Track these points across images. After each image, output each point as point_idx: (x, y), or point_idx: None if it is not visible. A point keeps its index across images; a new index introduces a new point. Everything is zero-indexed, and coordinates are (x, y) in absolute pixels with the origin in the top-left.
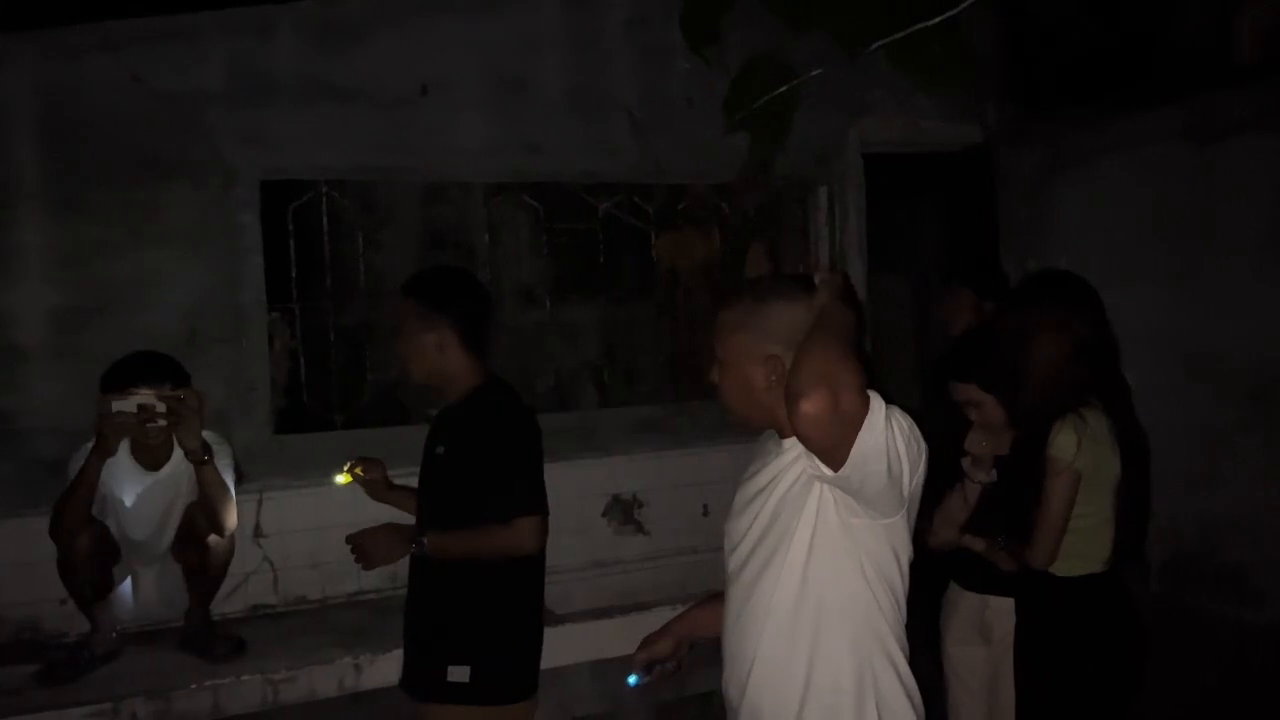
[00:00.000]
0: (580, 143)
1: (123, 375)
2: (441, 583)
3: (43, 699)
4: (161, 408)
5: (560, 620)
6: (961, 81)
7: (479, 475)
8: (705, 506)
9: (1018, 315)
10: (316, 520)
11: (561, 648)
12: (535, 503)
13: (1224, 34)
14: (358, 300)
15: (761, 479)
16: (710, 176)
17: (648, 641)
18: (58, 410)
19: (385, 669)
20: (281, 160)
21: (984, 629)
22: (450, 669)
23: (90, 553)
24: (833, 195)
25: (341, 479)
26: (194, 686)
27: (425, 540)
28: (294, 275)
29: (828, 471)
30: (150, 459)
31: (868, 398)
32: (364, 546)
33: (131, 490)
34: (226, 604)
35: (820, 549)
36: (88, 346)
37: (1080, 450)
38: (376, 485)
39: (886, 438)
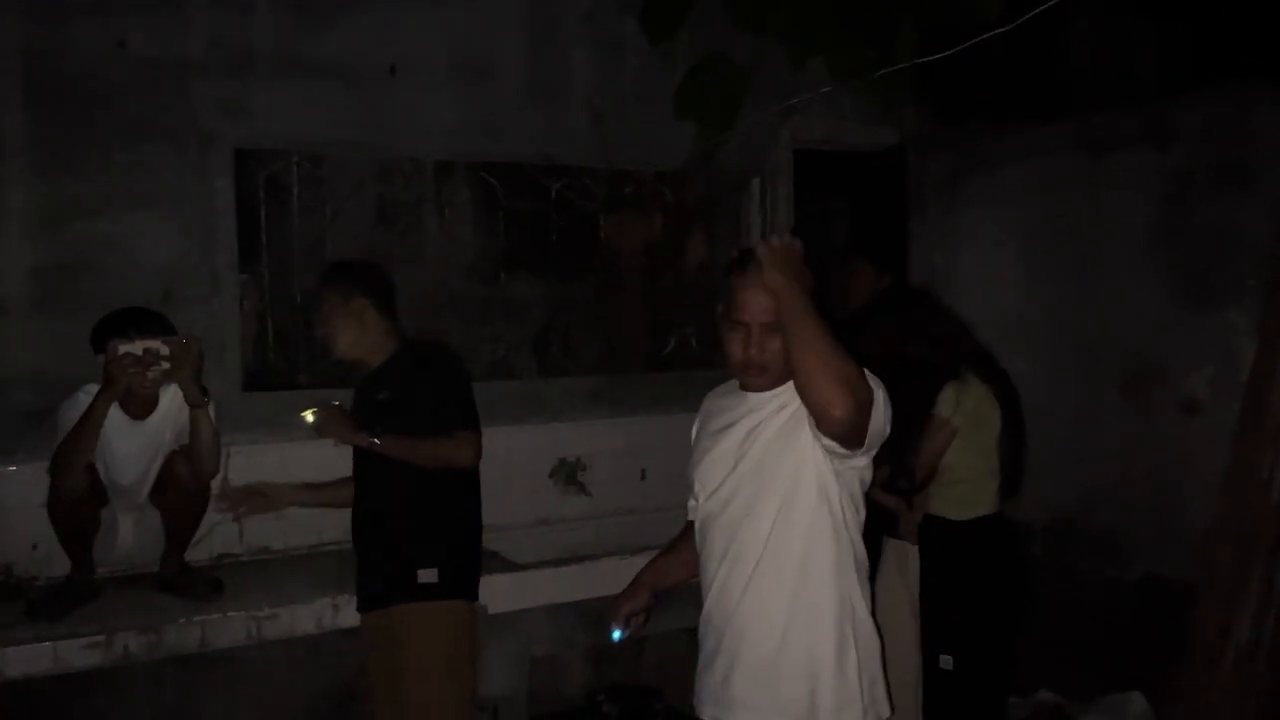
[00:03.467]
0: (537, 127)
1: (118, 324)
2: (402, 496)
3: (31, 634)
4: (165, 350)
5: (519, 568)
6: (886, 86)
7: (421, 404)
8: (643, 471)
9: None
10: (281, 474)
11: (520, 593)
12: (471, 420)
13: (1119, 55)
14: (323, 266)
15: (741, 427)
16: (655, 165)
17: (624, 596)
18: (35, 363)
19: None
20: (256, 130)
21: (902, 569)
22: (420, 572)
23: (83, 494)
24: (765, 187)
25: (309, 416)
26: (182, 621)
27: (378, 439)
28: (264, 241)
29: (845, 450)
30: (139, 409)
31: (869, 382)
32: (326, 415)
33: (120, 437)
34: (193, 553)
35: (805, 490)
36: (66, 302)
37: (959, 408)
38: (336, 418)
39: (884, 407)
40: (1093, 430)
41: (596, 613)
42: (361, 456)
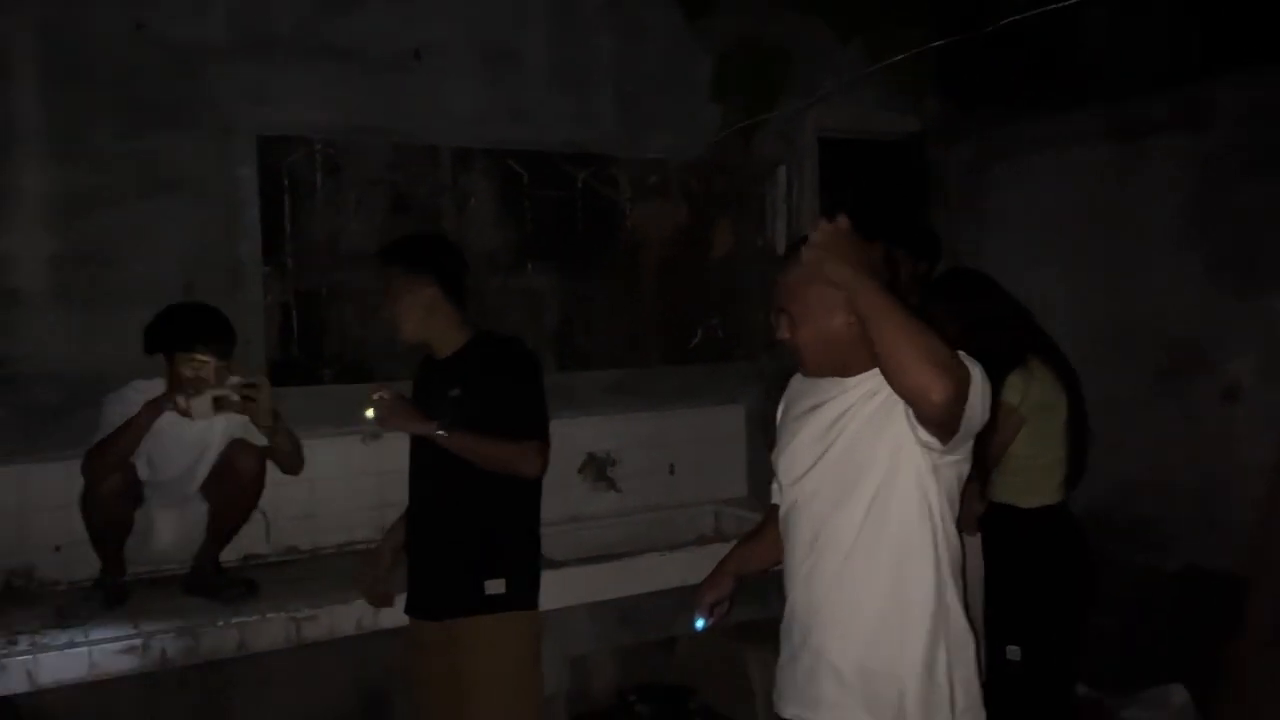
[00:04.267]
0: (563, 113)
1: (183, 335)
2: (469, 502)
3: (65, 639)
4: (236, 398)
5: (558, 565)
6: (909, 73)
7: (494, 406)
8: (671, 465)
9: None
10: (307, 472)
11: (560, 592)
12: (543, 430)
13: (1149, 38)
14: (347, 258)
15: (826, 414)
16: (682, 153)
17: (707, 584)
18: (55, 357)
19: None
20: (278, 116)
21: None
22: (487, 583)
23: (118, 492)
24: (791, 175)
25: (370, 412)
26: (221, 624)
27: (446, 431)
28: (288, 231)
29: (943, 444)
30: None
31: (964, 361)
32: (389, 403)
33: (167, 430)
34: (221, 553)
35: (901, 481)
36: (86, 294)
37: (1026, 397)
38: (400, 406)
39: (982, 391)
40: (1130, 419)
41: (632, 610)
42: (425, 458)
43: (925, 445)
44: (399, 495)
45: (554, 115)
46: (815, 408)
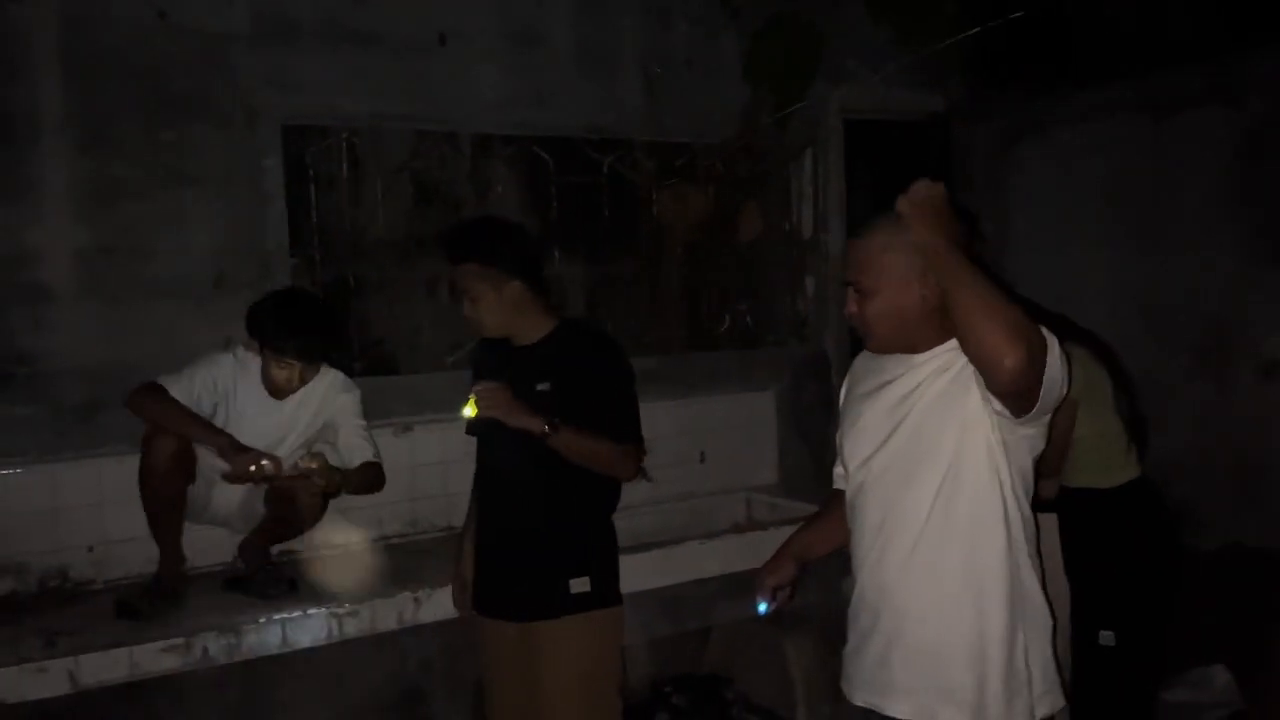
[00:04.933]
0: (588, 98)
1: (275, 335)
2: (558, 500)
3: (107, 638)
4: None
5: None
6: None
7: (594, 405)
8: (702, 454)
9: None
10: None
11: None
12: (640, 433)
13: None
14: (374, 247)
15: (895, 392)
16: (708, 136)
17: (769, 569)
18: (83, 353)
19: (442, 601)
20: (303, 104)
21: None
22: (572, 582)
23: (172, 464)
24: (816, 158)
25: (469, 410)
26: (262, 620)
27: (556, 427)
28: (314, 221)
29: (1018, 415)
30: (279, 391)
31: (1042, 332)
32: (493, 393)
33: (252, 411)
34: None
35: (973, 459)
36: (114, 288)
37: (1073, 379)
38: (505, 397)
39: (1061, 363)
40: (1165, 396)
41: (672, 599)
42: (507, 454)
43: (999, 416)
44: (431, 488)
45: (579, 99)
46: (882, 386)
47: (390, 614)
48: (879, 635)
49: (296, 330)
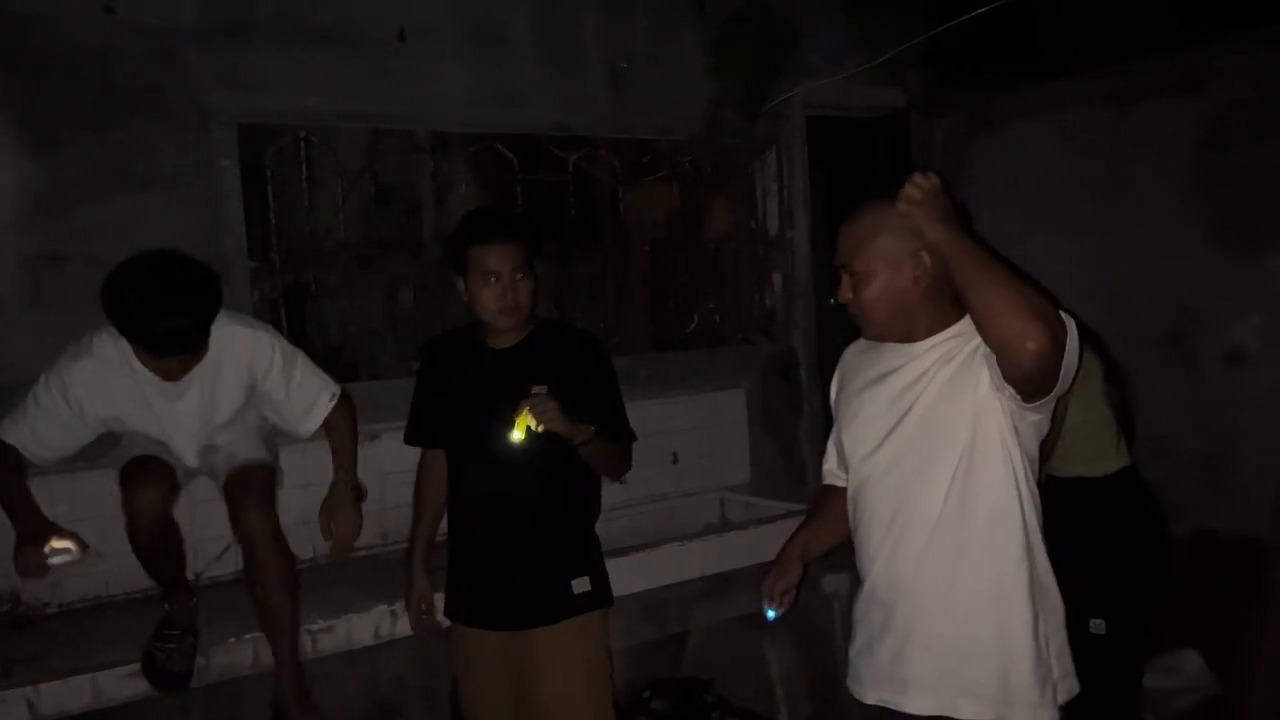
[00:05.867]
0: (551, 95)
1: (146, 334)
2: (562, 502)
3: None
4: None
5: None
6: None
7: (592, 406)
8: (675, 454)
9: None
10: (305, 476)
11: None
12: (633, 432)
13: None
14: (335, 251)
15: (897, 382)
16: (673, 133)
17: (775, 573)
18: (33, 366)
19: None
20: (259, 103)
21: None
22: (574, 582)
23: (162, 512)
24: (781, 154)
25: (518, 434)
26: (232, 640)
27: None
28: (273, 224)
29: (1031, 400)
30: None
31: (1063, 317)
32: (544, 403)
33: (144, 409)
34: (217, 567)
35: (986, 446)
36: (64, 296)
37: None
38: (554, 406)
39: (1076, 343)
40: (1135, 385)
41: (653, 603)
42: (510, 460)
43: (1013, 401)
44: (402, 497)
45: (543, 97)
46: (883, 377)
47: (366, 629)
48: (893, 632)
49: (166, 315)
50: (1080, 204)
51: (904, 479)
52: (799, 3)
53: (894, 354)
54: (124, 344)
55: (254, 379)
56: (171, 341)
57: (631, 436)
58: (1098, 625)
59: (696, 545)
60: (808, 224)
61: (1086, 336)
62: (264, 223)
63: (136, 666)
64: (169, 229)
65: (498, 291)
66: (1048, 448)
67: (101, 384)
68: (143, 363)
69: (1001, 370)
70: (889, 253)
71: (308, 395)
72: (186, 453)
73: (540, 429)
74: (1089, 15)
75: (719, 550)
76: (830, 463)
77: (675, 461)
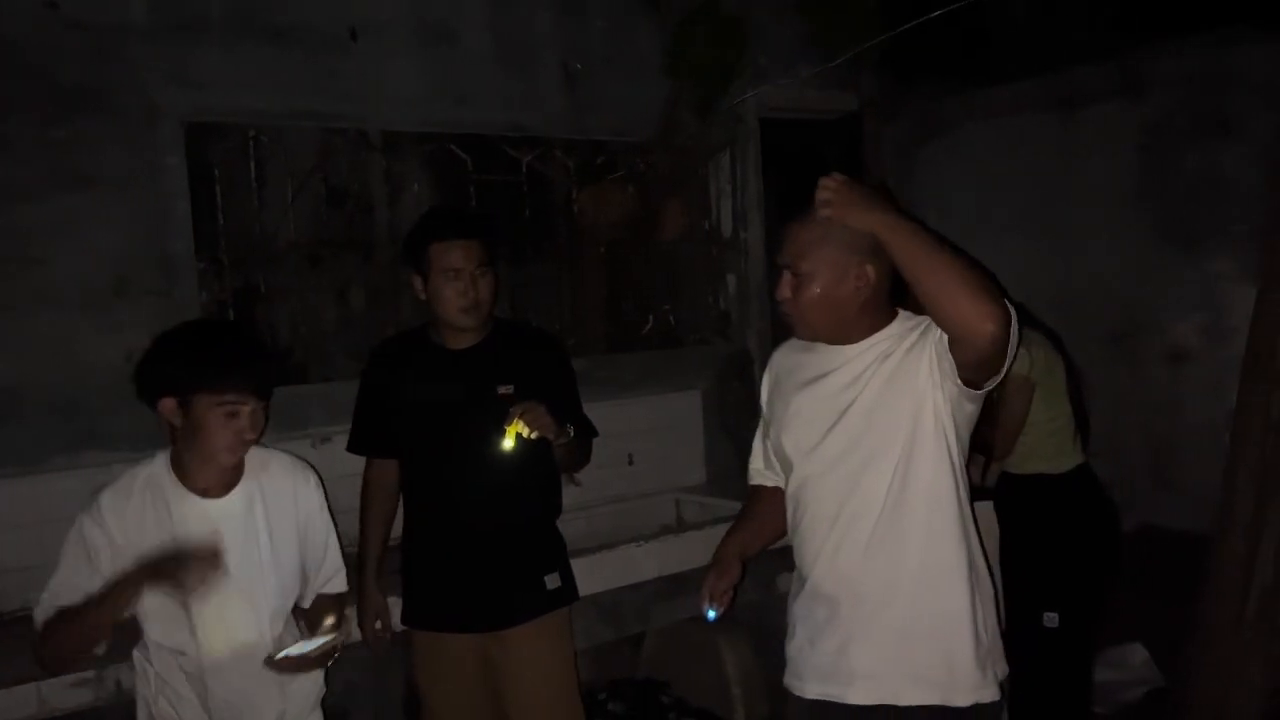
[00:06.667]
0: (505, 95)
1: (220, 368)
2: (538, 503)
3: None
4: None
5: None
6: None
7: (557, 405)
8: (630, 456)
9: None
10: None
11: None
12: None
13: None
14: (285, 251)
15: (835, 382)
16: (629, 134)
17: (715, 574)
18: None
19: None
20: (207, 101)
21: None
22: (547, 579)
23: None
24: (735, 156)
25: (509, 441)
26: None
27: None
28: (222, 224)
29: (979, 386)
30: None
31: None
32: (534, 410)
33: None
34: None
35: (926, 438)
36: (8, 298)
37: (1033, 363)
38: (543, 411)
39: (1017, 329)
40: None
41: (610, 604)
42: (484, 462)
43: (955, 388)
44: (354, 501)
45: (497, 96)
46: (820, 377)
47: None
48: (838, 625)
49: (239, 352)
50: (1028, 206)
51: (848, 474)
52: (754, 6)
53: (830, 355)
54: (153, 466)
55: (308, 526)
56: (248, 371)
57: (592, 431)
58: (1051, 619)
59: (653, 546)
60: (761, 225)
61: (1049, 335)
62: (212, 223)
63: (82, 675)
64: (114, 228)
65: (460, 289)
66: (1010, 443)
67: (126, 525)
68: (203, 453)
69: (956, 354)
70: (834, 262)
71: (333, 576)
72: None
73: (533, 436)
74: (1035, 23)
75: (675, 551)
76: (758, 462)
77: (631, 463)
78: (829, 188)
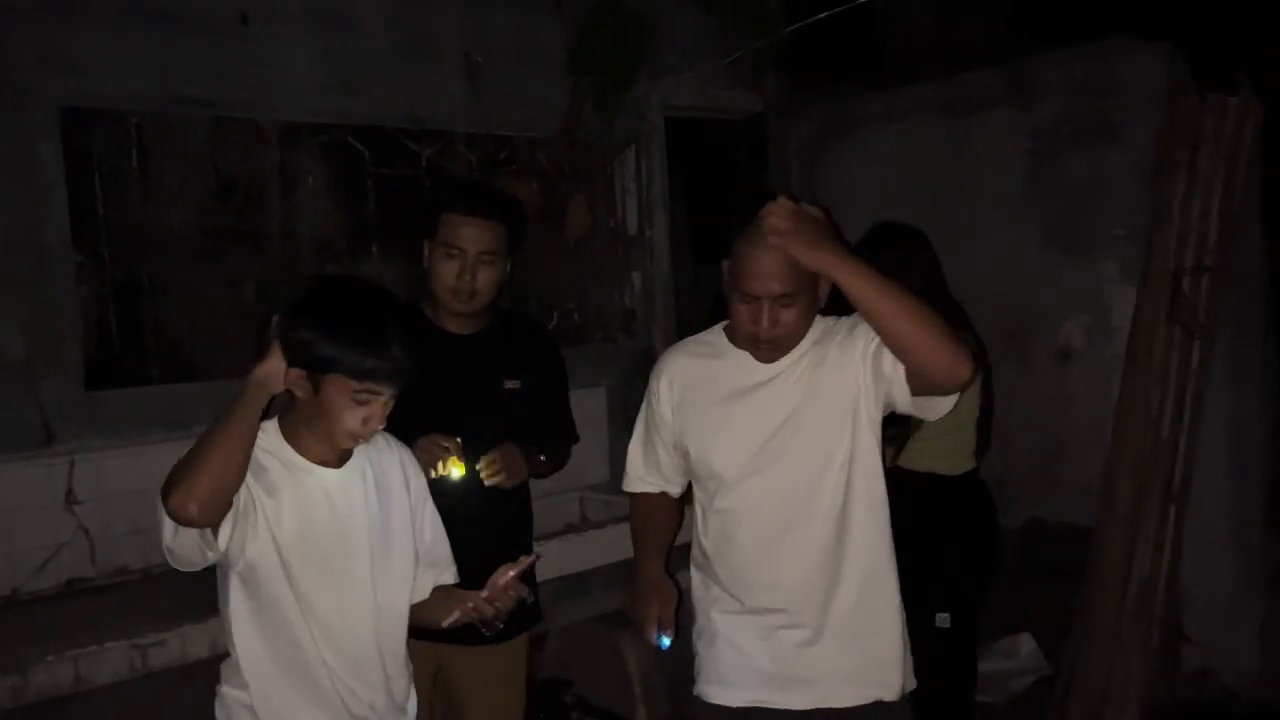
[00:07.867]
0: (404, 86)
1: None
2: (518, 517)
3: None
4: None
5: None
6: (752, 51)
7: (555, 407)
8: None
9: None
10: (137, 483)
11: None
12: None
13: (976, 17)
14: (170, 244)
15: (767, 392)
16: (533, 129)
17: (655, 600)
18: None
19: None
20: (85, 85)
21: None
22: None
23: None
24: (640, 154)
25: (457, 472)
26: (51, 659)
27: (543, 457)
28: (102, 215)
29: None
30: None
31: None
32: (508, 460)
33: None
34: (38, 580)
35: (863, 439)
36: None
37: None
38: (517, 462)
39: None
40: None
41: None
42: (474, 457)
43: (903, 403)
44: None
45: (395, 87)
46: (753, 388)
47: (203, 641)
48: (778, 636)
49: (390, 337)
50: (924, 207)
51: (792, 486)
52: (658, 2)
53: (753, 365)
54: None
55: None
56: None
57: (573, 437)
58: (943, 619)
59: (555, 545)
60: (667, 223)
61: (979, 344)
62: (91, 213)
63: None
64: None
65: (455, 269)
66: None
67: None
68: (326, 433)
69: (914, 384)
70: (809, 281)
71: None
72: None
73: (489, 482)
74: (928, 28)
75: (579, 549)
76: (638, 469)
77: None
78: (780, 215)
